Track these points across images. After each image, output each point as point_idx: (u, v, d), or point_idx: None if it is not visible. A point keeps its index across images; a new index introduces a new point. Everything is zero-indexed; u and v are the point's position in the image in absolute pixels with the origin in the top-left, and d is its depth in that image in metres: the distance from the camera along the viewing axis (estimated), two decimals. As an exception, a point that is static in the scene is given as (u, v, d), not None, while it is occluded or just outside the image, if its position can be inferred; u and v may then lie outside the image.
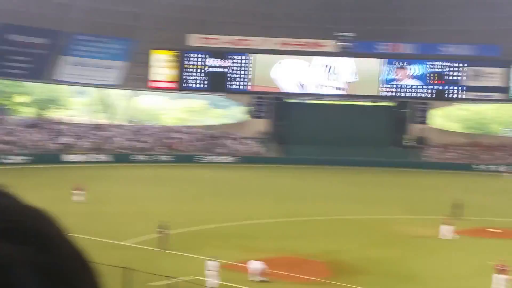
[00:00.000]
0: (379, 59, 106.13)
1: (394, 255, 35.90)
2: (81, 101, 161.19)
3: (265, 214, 48.91)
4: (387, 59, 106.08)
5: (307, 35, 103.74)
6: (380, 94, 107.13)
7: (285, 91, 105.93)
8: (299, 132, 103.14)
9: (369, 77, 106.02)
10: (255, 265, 29.30)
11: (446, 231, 40.98)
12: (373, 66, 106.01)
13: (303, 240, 38.35)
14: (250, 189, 65.78)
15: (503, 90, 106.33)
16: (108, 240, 37.14)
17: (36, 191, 43.90)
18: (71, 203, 50.49)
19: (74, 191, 52.82)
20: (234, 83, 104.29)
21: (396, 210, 53.89)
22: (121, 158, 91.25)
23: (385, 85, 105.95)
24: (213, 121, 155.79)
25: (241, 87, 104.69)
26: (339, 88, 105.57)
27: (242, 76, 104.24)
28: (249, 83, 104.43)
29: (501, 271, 27.60)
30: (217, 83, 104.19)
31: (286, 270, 30.80)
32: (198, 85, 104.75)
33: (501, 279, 27.53)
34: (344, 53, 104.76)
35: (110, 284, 24.30)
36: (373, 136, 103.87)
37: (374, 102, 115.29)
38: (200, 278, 27.62)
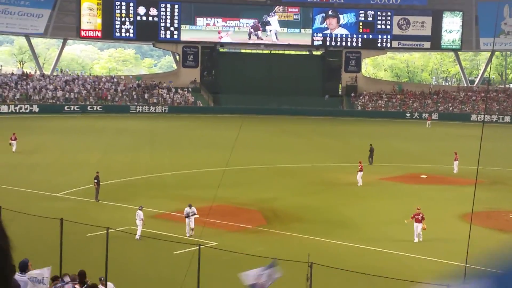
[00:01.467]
0: (310, 8, 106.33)
1: (326, 202, 36.86)
2: (6, 50, 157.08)
3: (199, 163, 49.26)
4: (318, 8, 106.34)
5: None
6: (311, 44, 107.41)
7: (216, 40, 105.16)
8: (231, 82, 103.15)
9: (301, 26, 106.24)
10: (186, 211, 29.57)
11: (359, 177, 42.25)
12: (304, 15, 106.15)
13: (237, 189, 38.96)
14: (183, 139, 65.93)
15: (431, 38, 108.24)
16: (43, 192, 37.00)
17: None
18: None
19: (11, 141, 52.07)
20: (163, 32, 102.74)
21: (326, 158, 54.96)
22: (52, 108, 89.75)
23: (316, 34, 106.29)
24: (144, 71, 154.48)
25: (171, 36, 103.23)
26: (271, 38, 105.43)
27: (171, 25, 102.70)
28: (179, 32, 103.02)
29: (417, 220, 28.84)
30: (147, 32, 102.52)
31: (221, 219, 31.32)
32: (128, 35, 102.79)
33: (417, 227, 28.82)
34: (275, 1, 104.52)
35: (49, 235, 24.40)
36: (306, 85, 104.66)
37: (306, 51, 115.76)
38: (134, 227, 27.95)
